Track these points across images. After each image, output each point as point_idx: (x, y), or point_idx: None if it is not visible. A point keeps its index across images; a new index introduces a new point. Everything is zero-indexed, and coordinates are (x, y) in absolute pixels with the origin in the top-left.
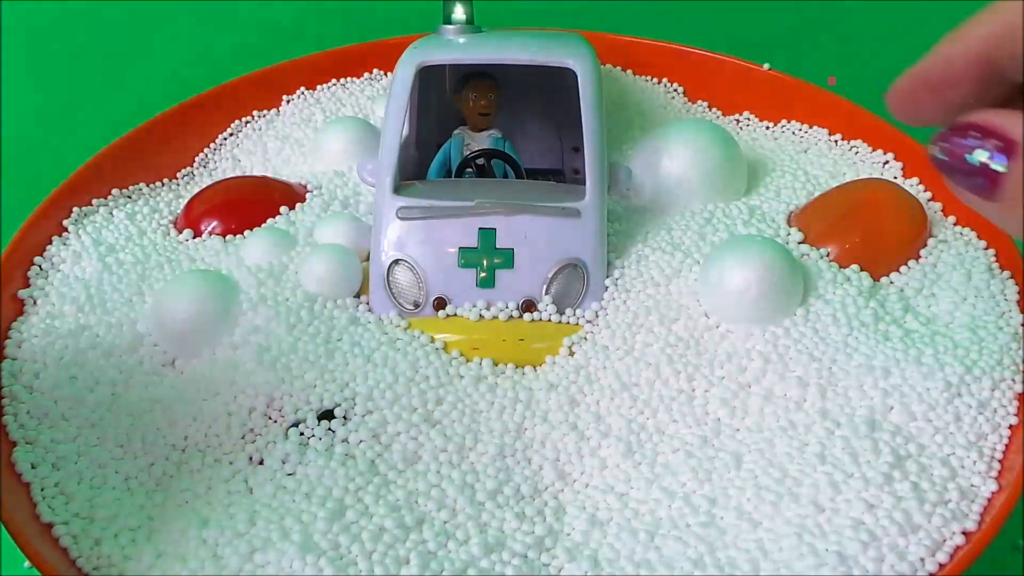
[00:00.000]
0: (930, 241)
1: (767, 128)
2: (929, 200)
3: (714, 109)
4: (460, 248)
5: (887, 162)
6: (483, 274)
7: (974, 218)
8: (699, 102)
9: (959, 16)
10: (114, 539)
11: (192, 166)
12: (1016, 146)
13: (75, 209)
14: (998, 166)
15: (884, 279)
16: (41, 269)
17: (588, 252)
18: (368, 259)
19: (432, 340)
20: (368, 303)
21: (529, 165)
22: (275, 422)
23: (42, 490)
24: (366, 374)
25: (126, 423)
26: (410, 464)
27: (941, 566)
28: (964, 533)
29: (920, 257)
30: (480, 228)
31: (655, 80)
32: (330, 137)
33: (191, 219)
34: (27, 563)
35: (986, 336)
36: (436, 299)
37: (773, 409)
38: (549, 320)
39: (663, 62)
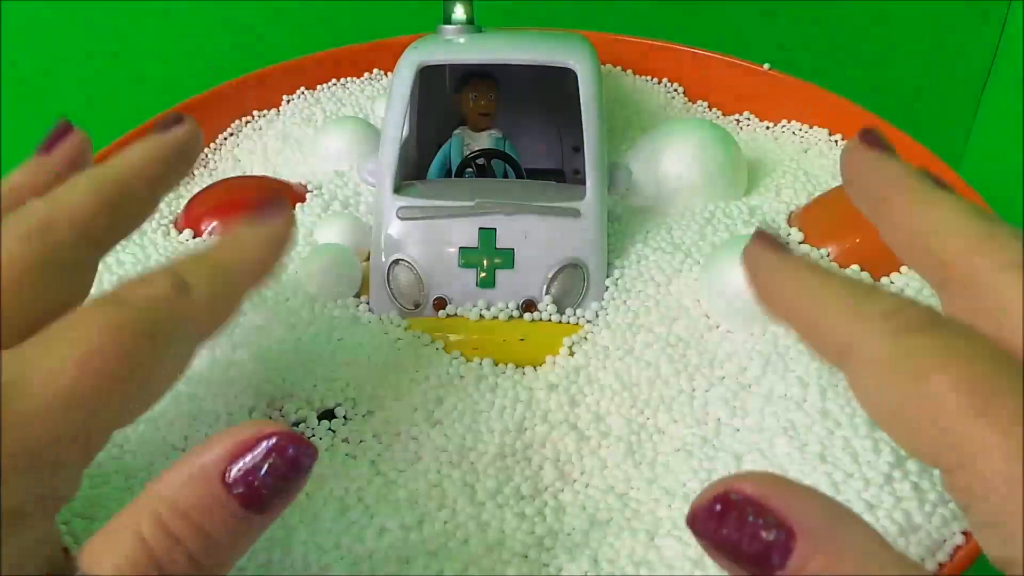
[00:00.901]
0: None
1: (767, 128)
2: None
3: (714, 109)
4: (460, 248)
5: None
6: (483, 274)
7: None
8: (699, 102)
9: (957, 16)
10: None
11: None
12: (793, 537)
13: None
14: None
15: (884, 279)
16: None
17: (588, 252)
18: (368, 259)
19: (432, 340)
20: (368, 303)
21: (529, 165)
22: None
23: None
24: (366, 374)
25: None
26: (411, 464)
27: (941, 566)
28: (964, 533)
29: None
30: (480, 228)
31: (655, 80)
32: (330, 137)
33: (191, 219)
34: None
35: None
36: (436, 299)
37: (773, 409)
38: (549, 320)
39: (663, 62)
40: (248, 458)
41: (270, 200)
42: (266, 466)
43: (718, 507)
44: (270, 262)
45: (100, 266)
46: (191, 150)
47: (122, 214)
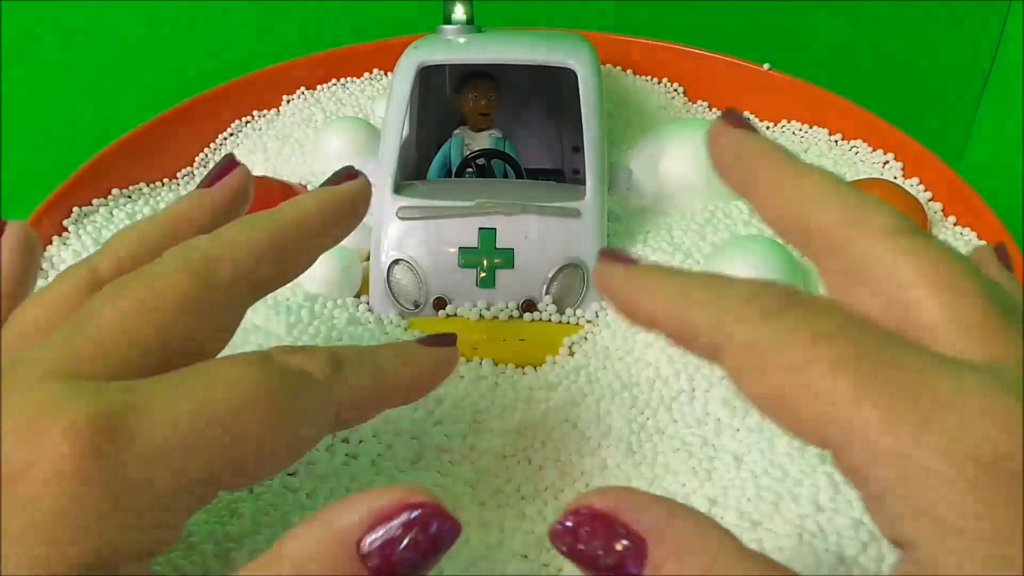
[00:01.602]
0: None
1: (767, 128)
2: (929, 200)
3: (714, 109)
4: (460, 248)
5: (887, 162)
6: (483, 274)
7: (974, 218)
8: (699, 102)
9: (957, 16)
10: None
11: (192, 166)
12: (644, 544)
13: (75, 209)
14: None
15: None
16: (41, 269)
17: (588, 252)
18: (368, 259)
19: None
20: (368, 303)
21: (529, 165)
22: None
23: None
24: None
25: None
26: (411, 463)
27: None
28: None
29: None
30: (480, 228)
31: (655, 80)
32: (330, 137)
33: None
34: None
35: None
36: (436, 299)
37: None
38: (549, 320)
39: (663, 62)
40: (387, 528)
41: (447, 335)
42: (406, 540)
43: (569, 523)
44: (426, 387)
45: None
46: (361, 204)
47: (284, 262)
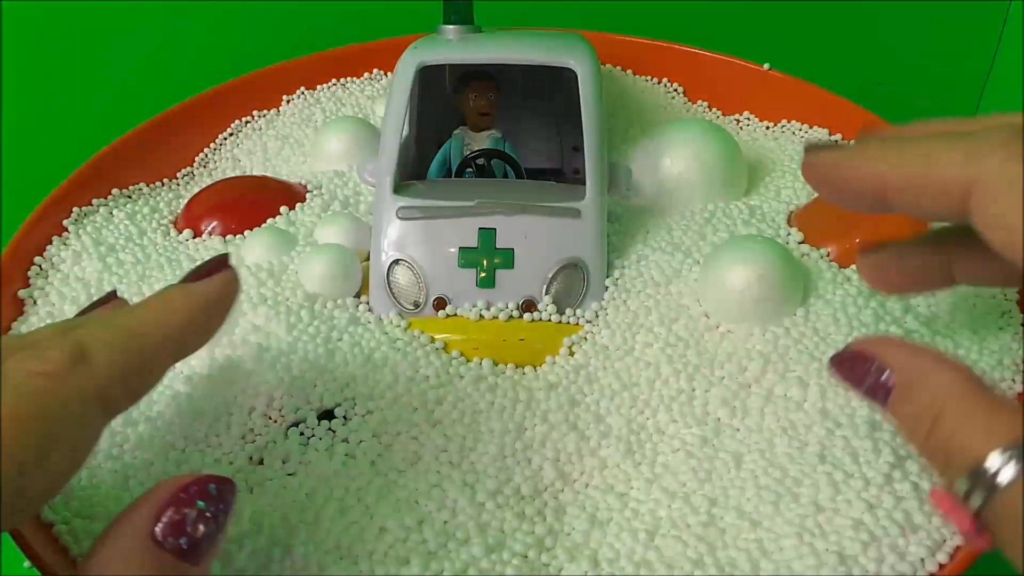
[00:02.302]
0: None
1: (767, 128)
2: None
3: (714, 109)
4: (460, 248)
5: None
6: (483, 274)
7: None
8: (699, 102)
9: (957, 16)
10: None
11: (192, 166)
12: (890, 373)
13: (75, 209)
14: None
15: None
16: (41, 269)
17: (588, 252)
18: (368, 259)
19: (432, 340)
20: (368, 303)
21: (529, 165)
22: (275, 422)
23: None
24: (366, 374)
25: (125, 422)
26: (411, 464)
27: (941, 566)
28: None
29: None
30: (480, 228)
31: (655, 80)
32: (330, 137)
33: (191, 219)
34: (27, 563)
35: (987, 336)
36: (436, 299)
37: (773, 409)
38: (549, 320)
39: (663, 62)
40: (171, 511)
41: (212, 261)
42: (193, 512)
43: (838, 359)
44: (198, 329)
45: (99, 265)
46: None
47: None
